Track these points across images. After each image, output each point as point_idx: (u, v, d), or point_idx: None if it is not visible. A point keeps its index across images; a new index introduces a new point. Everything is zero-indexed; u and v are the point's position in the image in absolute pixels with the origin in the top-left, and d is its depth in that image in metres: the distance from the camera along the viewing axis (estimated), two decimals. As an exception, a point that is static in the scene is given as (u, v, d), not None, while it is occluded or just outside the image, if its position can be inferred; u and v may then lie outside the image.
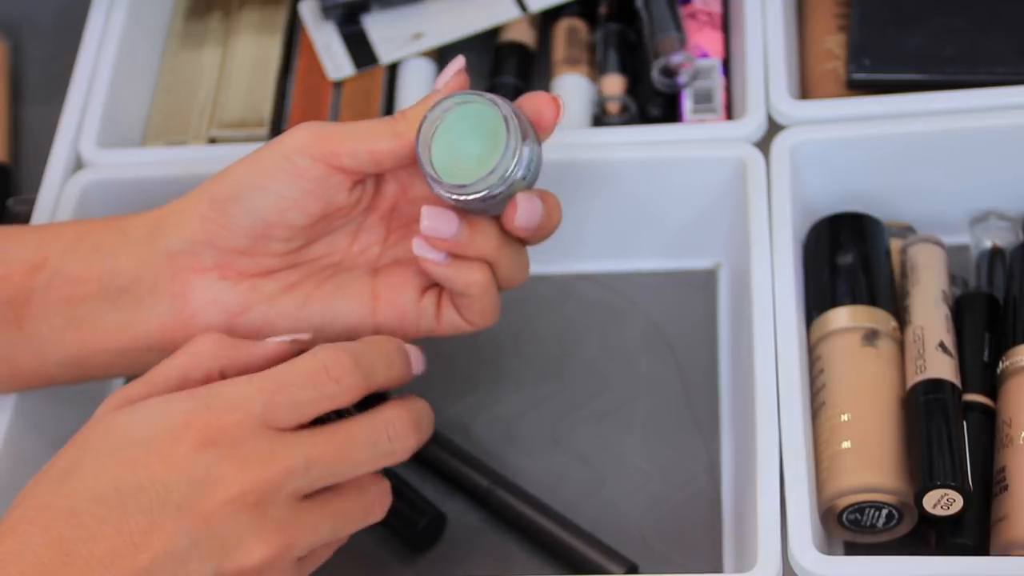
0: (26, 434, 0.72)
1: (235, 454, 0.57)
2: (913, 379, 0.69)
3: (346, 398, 0.60)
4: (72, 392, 0.73)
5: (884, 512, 0.67)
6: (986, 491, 0.67)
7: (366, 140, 0.64)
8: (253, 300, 0.67)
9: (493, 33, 0.87)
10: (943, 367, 0.69)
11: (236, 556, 0.57)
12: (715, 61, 0.82)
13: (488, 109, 0.63)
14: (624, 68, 0.84)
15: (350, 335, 0.68)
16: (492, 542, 0.73)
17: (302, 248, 0.67)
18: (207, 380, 0.62)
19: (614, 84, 0.83)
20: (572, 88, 0.84)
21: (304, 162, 0.64)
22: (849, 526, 0.68)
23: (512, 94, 0.84)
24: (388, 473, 0.65)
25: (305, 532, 0.59)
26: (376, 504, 0.62)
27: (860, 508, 0.67)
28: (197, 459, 0.57)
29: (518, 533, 0.73)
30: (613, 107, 0.82)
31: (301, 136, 0.65)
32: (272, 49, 0.88)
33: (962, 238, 0.77)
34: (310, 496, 0.60)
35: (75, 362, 0.68)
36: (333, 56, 0.87)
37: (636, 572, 0.71)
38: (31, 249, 0.68)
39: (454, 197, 0.63)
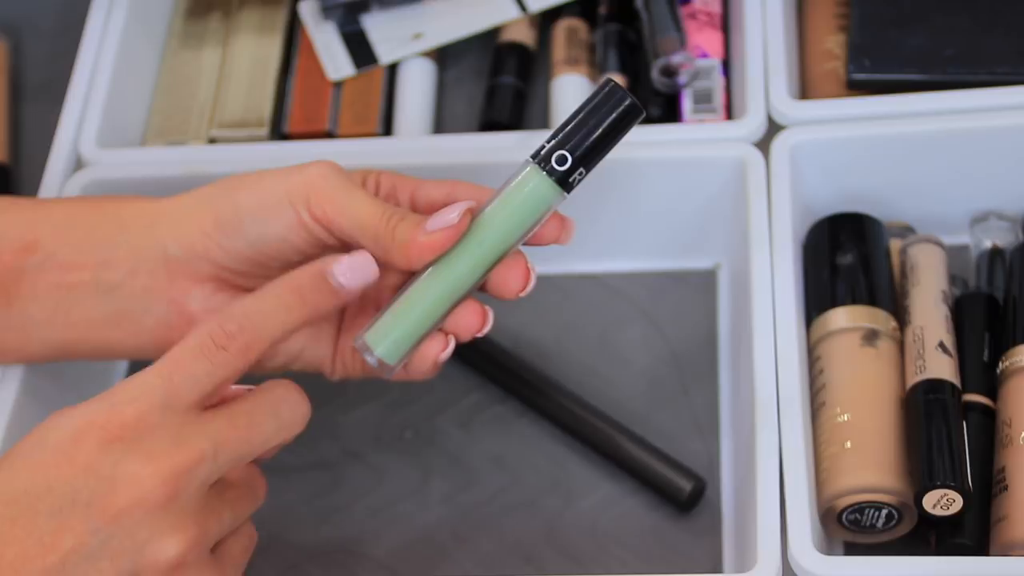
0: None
1: (141, 448, 0.57)
2: (913, 379, 0.69)
3: (241, 362, 0.59)
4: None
5: (884, 512, 0.67)
6: (986, 491, 0.67)
7: (356, 228, 0.64)
8: None
9: (493, 33, 0.87)
10: (943, 367, 0.69)
11: (150, 552, 0.56)
12: (715, 61, 0.82)
13: None
14: (624, 68, 0.84)
15: (315, 368, 0.69)
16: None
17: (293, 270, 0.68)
18: None
19: (614, 84, 0.83)
20: (572, 88, 0.84)
21: (305, 214, 0.65)
22: (849, 526, 0.68)
23: (512, 94, 0.85)
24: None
25: (213, 520, 0.58)
26: (259, 488, 0.62)
27: (860, 508, 0.67)
28: (103, 457, 0.57)
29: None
30: (613, 107, 0.82)
31: (308, 184, 0.64)
32: (272, 49, 0.88)
33: (962, 238, 0.77)
34: (211, 486, 0.59)
35: (59, 345, 0.69)
36: (333, 56, 0.86)
37: (703, 489, 0.73)
38: (22, 227, 0.68)
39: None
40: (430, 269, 0.64)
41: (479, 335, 0.66)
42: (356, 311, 0.70)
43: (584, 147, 0.63)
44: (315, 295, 0.62)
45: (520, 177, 0.63)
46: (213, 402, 0.60)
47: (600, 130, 0.63)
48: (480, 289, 0.65)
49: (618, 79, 0.83)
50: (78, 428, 0.57)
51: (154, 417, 0.58)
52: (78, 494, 0.56)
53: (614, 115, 0.63)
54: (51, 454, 0.57)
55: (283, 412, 0.60)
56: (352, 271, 0.63)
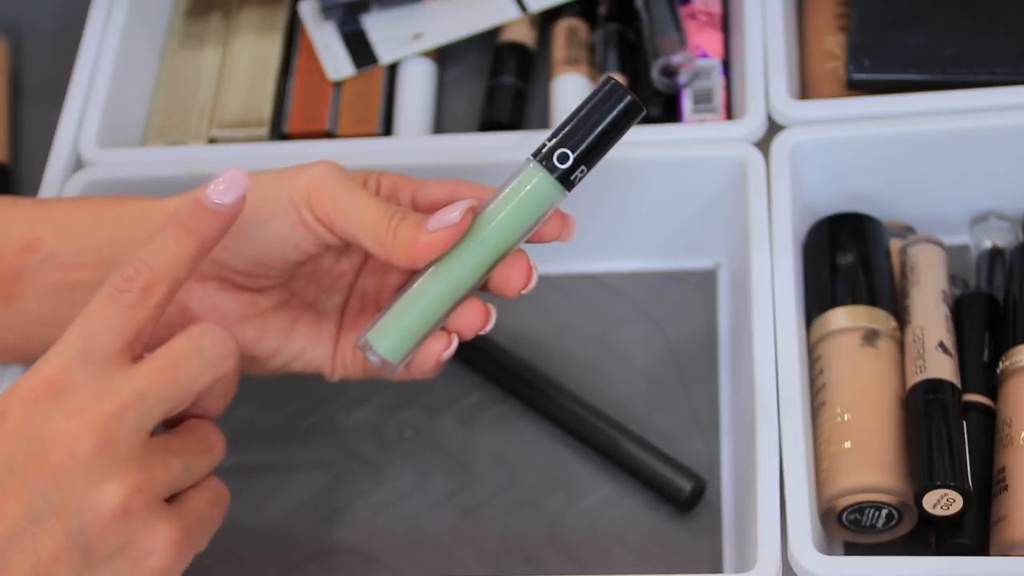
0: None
1: (66, 402, 0.57)
2: (913, 379, 0.69)
3: (148, 300, 0.60)
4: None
5: (884, 512, 0.67)
6: (986, 491, 0.67)
7: (357, 227, 0.64)
8: (250, 313, 0.68)
9: (493, 33, 0.87)
10: (943, 367, 0.69)
11: (91, 502, 0.56)
12: (715, 61, 0.82)
13: None
14: (624, 68, 0.84)
15: (315, 369, 0.69)
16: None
17: (294, 270, 0.69)
18: None
19: (614, 84, 0.83)
20: (572, 88, 0.84)
21: (306, 214, 0.65)
22: (849, 526, 0.68)
23: (512, 94, 0.85)
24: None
25: (157, 466, 0.58)
26: (213, 438, 0.62)
27: (860, 508, 0.67)
28: (30, 419, 0.57)
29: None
30: (613, 107, 0.82)
31: (310, 184, 0.65)
32: (272, 49, 0.88)
33: (962, 238, 0.77)
34: (154, 435, 0.59)
35: None
36: (333, 56, 0.86)
37: (703, 489, 0.73)
38: (24, 227, 0.68)
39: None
40: (432, 267, 0.64)
41: (482, 332, 0.66)
42: (357, 311, 0.70)
43: (585, 145, 0.63)
44: (197, 222, 0.61)
45: (521, 175, 0.63)
46: (137, 353, 0.60)
47: (601, 128, 0.63)
48: (482, 288, 0.65)
49: (618, 79, 0.83)
50: (4, 398, 0.58)
51: (75, 371, 0.58)
52: (13, 460, 0.57)
53: (615, 113, 0.63)
54: None
55: (207, 349, 0.60)
56: (224, 188, 0.62)
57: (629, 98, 0.63)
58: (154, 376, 0.59)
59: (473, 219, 0.64)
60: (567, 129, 0.63)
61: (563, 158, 0.63)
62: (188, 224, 0.61)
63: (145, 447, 0.58)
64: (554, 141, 0.63)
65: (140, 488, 0.57)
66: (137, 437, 0.58)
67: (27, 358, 0.71)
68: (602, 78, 0.64)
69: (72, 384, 0.58)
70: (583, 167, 0.63)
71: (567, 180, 0.63)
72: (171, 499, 0.59)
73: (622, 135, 0.63)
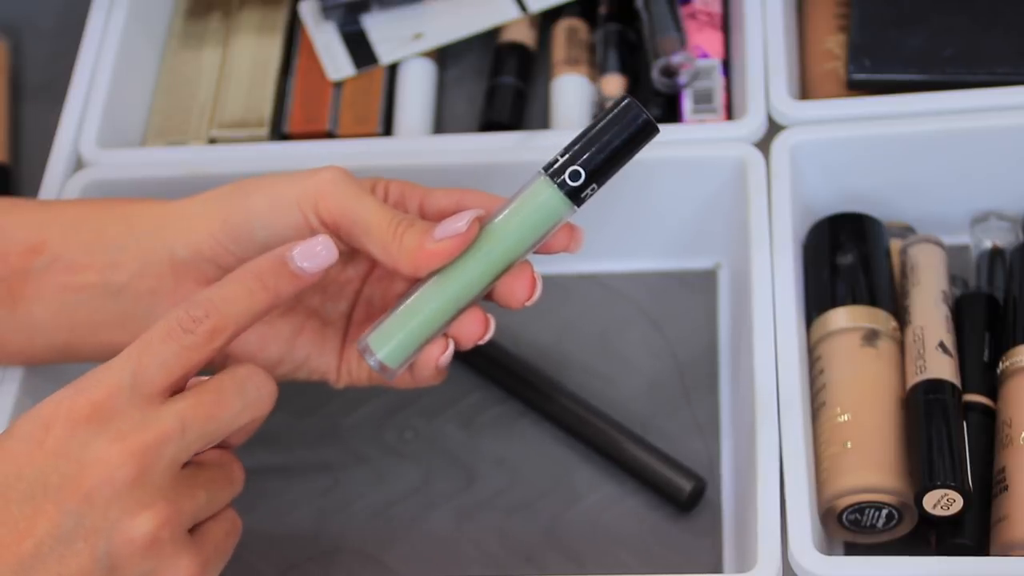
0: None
1: (109, 428, 0.57)
2: (913, 379, 0.69)
3: (208, 345, 0.60)
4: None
5: (884, 512, 0.67)
6: (986, 491, 0.67)
7: (363, 233, 0.64)
8: None
9: (493, 33, 0.87)
10: (943, 367, 0.69)
11: (123, 529, 0.57)
12: (715, 61, 0.82)
13: None
14: (624, 68, 0.84)
15: (321, 376, 0.70)
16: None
17: None
18: None
19: (614, 84, 0.83)
20: (572, 88, 0.84)
21: (313, 218, 0.65)
22: (849, 526, 0.68)
23: (512, 94, 0.85)
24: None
25: (186, 498, 0.59)
26: (235, 472, 0.62)
27: (860, 508, 0.67)
28: (71, 439, 0.57)
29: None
30: (613, 107, 0.82)
31: (317, 188, 0.65)
32: (272, 49, 0.88)
33: (962, 238, 0.77)
34: (184, 466, 0.59)
35: (64, 346, 0.69)
36: (333, 56, 0.87)
37: (703, 489, 0.73)
38: (31, 229, 0.68)
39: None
40: (437, 275, 0.64)
41: (480, 343, 0.66)
42: (362, 319, 0.70)
43: (598, 163, 0.62)
44: (276, 280, 0.62)
45: (531, 188, 0.63)
46: (180, 387, 0.60)
47: (615, 147, 0.62)
48: (485, 297, 0.65)
49: (618, 79, 0.83)
50: (47, 415, 0.58)
51: (122, 398, 0.58)
52: (48, 478, 0.57)
53: (629, 132, 0.62)
54: (21, 443, 0.58)
55: (249, 391, 0.61)
56: (310, 255, 0.63)
57: (644, 117, 0.62)
58: (197, 412, 0.59)
59: (480, 229, 0.64)
60: (580, 145, 0.63)
61: (575, 176, 0.62)
62: (266, 279, 0.62)
63: (177, 479, 0.58)
64: (566, 157, 0.63)
65: (169, 520, 0.58)
66: (172, 469, 0.58)
67: (31, 360, 0.71)
68: (618, 95, 0.64)
69: (116, 410, 0.58)
70: (594, 184, 0.63)
71: (577, 196, 0.63)
72: (191, 529, 0.60)
73: (635, 154, 0.63)
